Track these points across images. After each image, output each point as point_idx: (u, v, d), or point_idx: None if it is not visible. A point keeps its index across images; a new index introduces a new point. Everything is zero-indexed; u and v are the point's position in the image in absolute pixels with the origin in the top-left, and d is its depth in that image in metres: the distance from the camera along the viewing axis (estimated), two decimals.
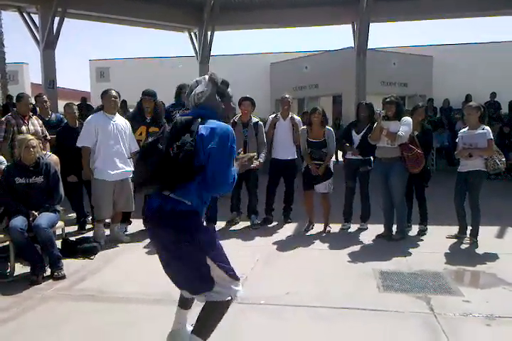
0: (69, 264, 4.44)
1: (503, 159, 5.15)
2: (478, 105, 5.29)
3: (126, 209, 5.42)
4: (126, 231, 5.66)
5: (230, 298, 2.44)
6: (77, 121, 5.93)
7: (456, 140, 5.43)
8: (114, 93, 5.25)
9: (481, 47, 17.87)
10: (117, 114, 5.35)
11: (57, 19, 12.01)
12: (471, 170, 5.16)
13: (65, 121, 6.18)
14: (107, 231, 5.44)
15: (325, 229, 5.76)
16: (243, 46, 56.68)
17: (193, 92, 2.49)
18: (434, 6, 13.23)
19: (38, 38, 12.37)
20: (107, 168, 5.11)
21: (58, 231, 4.89)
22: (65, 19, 12.19)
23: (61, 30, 12.20)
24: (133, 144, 5.33)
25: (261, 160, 5.82)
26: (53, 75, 12.41)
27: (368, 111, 5.72)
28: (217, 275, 2.39)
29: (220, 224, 6.03)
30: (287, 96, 6.18)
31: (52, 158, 5.23)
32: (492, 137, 5.11)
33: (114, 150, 5.14)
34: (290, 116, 6.17)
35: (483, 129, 5.14)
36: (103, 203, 5.18)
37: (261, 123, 6.00)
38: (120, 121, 5.29)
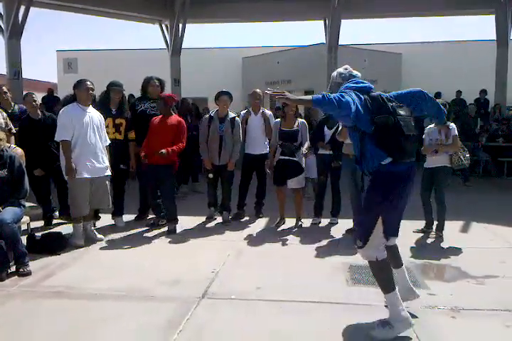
0: (35, 260, 4.34)
1: (468, 155, 5.29)
2: (442, 102, 5.41)
3: (102, 205, 5.29)
4: (94, 226, 5.55)
5: None
6: (39, 112, 5.73)
7: (423, 136, 5.54)
8: (89, 84, 5.01)
9: (450, 46, 18.26)
10: (90, 106, 5.14)
11: (22, 8, 11.62)
12: (437, 166, 5.30)
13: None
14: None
15: (296, 223, 5.80)
16: (215, 39, 56.26)
17: None
18: (404, 4, 13.48)
19: (3, 27, 11.93)
20: (83, 165, 4.89)
21: (24, 227, 4.77)
22: (31, 8, 11.81)
23: (27, 20, 11.81)
24: (104, 137, 5.19)
25: (233, 161, 5.83)
26: (18, 66, 12.00)
27: None
28: None
29: (192, 221, 6.00)
30: (258, 91, 6.18)
31: (17, 151, 5.04)
32: (457, 133, 5.25)
33: (92, 145, 4.94)
34: (261, 110, 6.17)
35: (448, 126, 5.26)
36: (81, 201, 4.95)
37: (238, 119, 5.96)
38: (95, 114, 5.10)
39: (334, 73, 3.41)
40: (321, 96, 2.83)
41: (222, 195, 6.07)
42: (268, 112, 6.24)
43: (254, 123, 6.12)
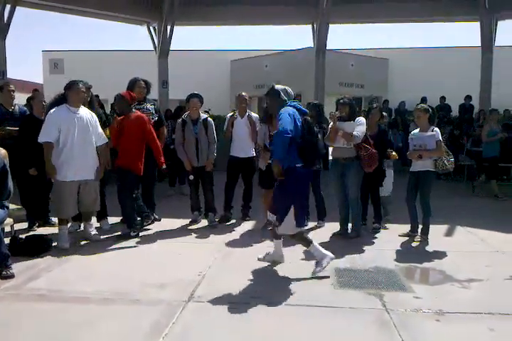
0: (18, 263, 4.27)
1: (452, 159, 5.35)
2: (426, 107, 5.50)
3: (90, 208, 5.22)
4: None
5: None
6: (43, 113, 5.63)
7: (408, 141, 5.61)
8: (81, 87, 4.93)
9: (436, 52, 18.50)
10: (82, 106, 5.05)
11: (8, 7, 11.48)
12: (421, 170, 5.36)
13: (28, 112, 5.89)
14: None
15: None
16: (204, 42, 56.24)
17: None
18: (392, 10, 13.64)
19: None
20: (67, 169, 4.85)
21: (7, 229, 4.69)
22: (17, 7, 11.67)
23: (12, 19, 11.66)
24: (98, 137, 5.11)
25: (210, 161, 5.85)
26: (3, 66, 11.84)
27: (315, 111, 5.82)
28: None
29: (178, 223, 5.98)
30: (244, 94, 6.20)
31: (1, 152, 4.96)
32: (441, 138, 5.32)
33: (79, 147, 4.89)
34: (247, 113, 6.17)
35: (432, 131, 5.34)
36: (64, 204, 4.92)
37: (210, 119, 5.98)
38: (85, 115, 5.00)
39: (280, 89, 4.22)
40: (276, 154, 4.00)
41: (205, 197, 6.03)
42: (254, 115, 6.23)
43: (240, 127, 6.12)
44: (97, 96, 10.82)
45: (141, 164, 5.34)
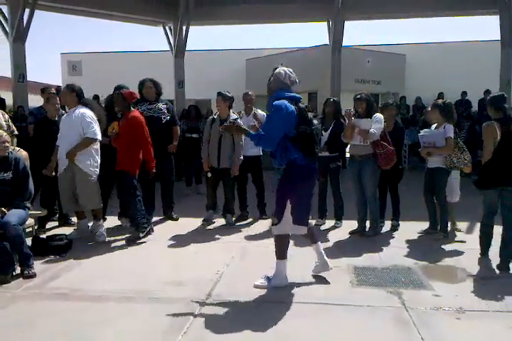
0: (40, 262, 4.36)
1: (464, 156, 5.17)
2: (436, 103, 5.39)
3: (85, 206, 5.23)
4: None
5: None
6: (56, 115, 5.71)
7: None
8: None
9: (453, 46, 18.23)
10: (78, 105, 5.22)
11: (27, 11, 11.69)
12: (433, 166, 5.29)
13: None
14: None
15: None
16: (219, 42, 56.38)
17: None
18: (408, 5, 13.47)
19: (8, 30, 12.00)
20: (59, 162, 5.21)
21: (29, 229, 4.79)
22: (36, 11, 11.88)
23: (31, 23, 11.87)
24: (87, 129, 5.04)
25: (236, 166, 5.78)
26: (23, 69, 12.07)
27: (334, 107, 5.79)
28: None
29: (195, 223, 6.00)
30: (250, 93, 6.23)
31: (22, 153, 5.08)
32: (451, 135, 5.14)
33: (63, 146, 5.14)
34: (253, 111, 6.13)
35: (444, 128, 5.24)
36: (61, 197, 5.32)
37: (240, 121, 5.85)
38: (77, 112, 5.10)
39: (282, 72, 3.86)
40: (256, 139, 3.76)
41: (224, 198, 6.05)
42: (260, 113, 6.16)
43: (246, 125, 6.08)
44: (96, 96, 10.90)
45: (137, 165, 5.23)
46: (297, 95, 3.88)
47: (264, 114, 6.16)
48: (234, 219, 6.09)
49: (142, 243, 5.13)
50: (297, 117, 3.70)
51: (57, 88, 13.50)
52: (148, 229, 5.26)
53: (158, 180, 6.04)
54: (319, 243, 4.10)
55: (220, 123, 5.70)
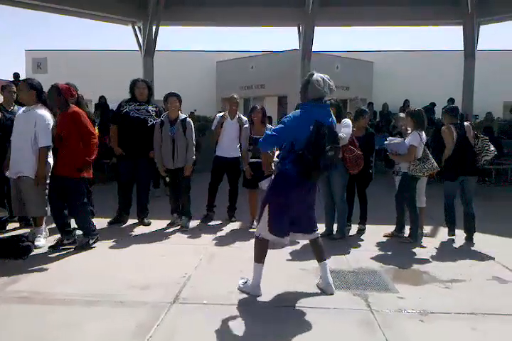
0: None
1: (424, 164, 5.22)
2: (409, 110, 5.53)
3: (29, 213, 5.00)
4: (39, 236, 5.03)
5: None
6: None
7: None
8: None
9: (420, 55, 18.72)
10: (38, 104, 4.84)
11: None
12: (401, 171, 5.46)
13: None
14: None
15: (251, 225, 5.83)
16: (190, 43, 56.00)
17: None
18: (377, 14, 13.77)
19: None
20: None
21: None
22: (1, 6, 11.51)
23: None
24: (42, 136, 4.71)
25: (188, 166, 5.68)
26: None
27: (261, 114, 5.79)
28: None
29: (164, 225, 5.94)
30: (236, 96, 6.21)
31: None
32: (414, 143, 5.22)
33: (14, 146, 4.87)
34: (238, 116, 6.17)
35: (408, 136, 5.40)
36: (12, 200, 5.02)
37: (190, 120, 5.77)
38: (32, 114, 4.78)
39: (321, 79, 3.57)
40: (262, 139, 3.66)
41: (180, 200, 5.93)
42: (244, 118, 6.16)
43: (229, 128, 6.11)
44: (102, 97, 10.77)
45: (87, 167, 4.82)
46: (326, 114, 3.65)
47: (246, 119, 6.15)
48: (201, 220, 6.08)
49: (111, 245, 5.03)
50: (313, 130, 3.42)
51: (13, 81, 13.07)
52: (97, 236, 5.00)
53: (134, 183, 6.00)
54: (326, 261, 3.86)
55: (170, 125, 5.61)
